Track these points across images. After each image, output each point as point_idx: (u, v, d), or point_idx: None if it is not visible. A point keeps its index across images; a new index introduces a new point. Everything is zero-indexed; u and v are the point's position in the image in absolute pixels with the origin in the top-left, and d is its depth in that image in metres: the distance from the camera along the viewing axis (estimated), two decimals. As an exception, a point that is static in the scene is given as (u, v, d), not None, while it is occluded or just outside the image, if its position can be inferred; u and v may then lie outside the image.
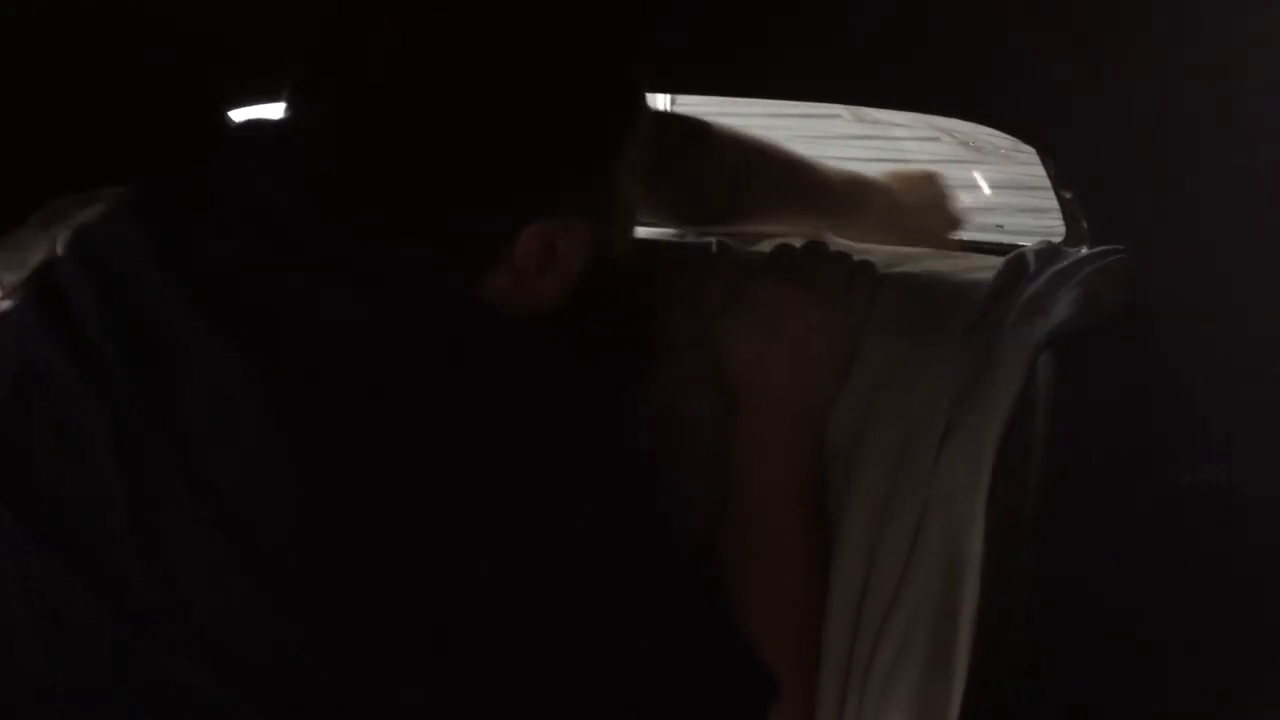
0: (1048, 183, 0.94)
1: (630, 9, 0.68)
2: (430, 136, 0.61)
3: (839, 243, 0.84)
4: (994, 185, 3.14)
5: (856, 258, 0.79)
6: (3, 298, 1.04)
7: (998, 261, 0.81)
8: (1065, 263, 0.76)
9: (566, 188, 0.65)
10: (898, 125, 3.64)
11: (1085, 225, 0.90)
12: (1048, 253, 0.79)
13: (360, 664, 0.57)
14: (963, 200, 1.03)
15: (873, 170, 1.03)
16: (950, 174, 1.05)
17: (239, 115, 1.17)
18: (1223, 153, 0.56)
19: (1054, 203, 0.96)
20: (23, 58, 1.00)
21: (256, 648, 0.56)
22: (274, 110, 0.68)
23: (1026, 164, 1.05)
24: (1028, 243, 0.85)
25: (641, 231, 1.00)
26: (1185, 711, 0.66)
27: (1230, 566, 0.65)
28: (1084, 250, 0.79)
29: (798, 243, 0.80)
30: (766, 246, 0.83)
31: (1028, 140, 0.86)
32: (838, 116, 3.83)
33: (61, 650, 0.58)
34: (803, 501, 0.71)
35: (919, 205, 1.02)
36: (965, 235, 1.07)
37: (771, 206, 0.91)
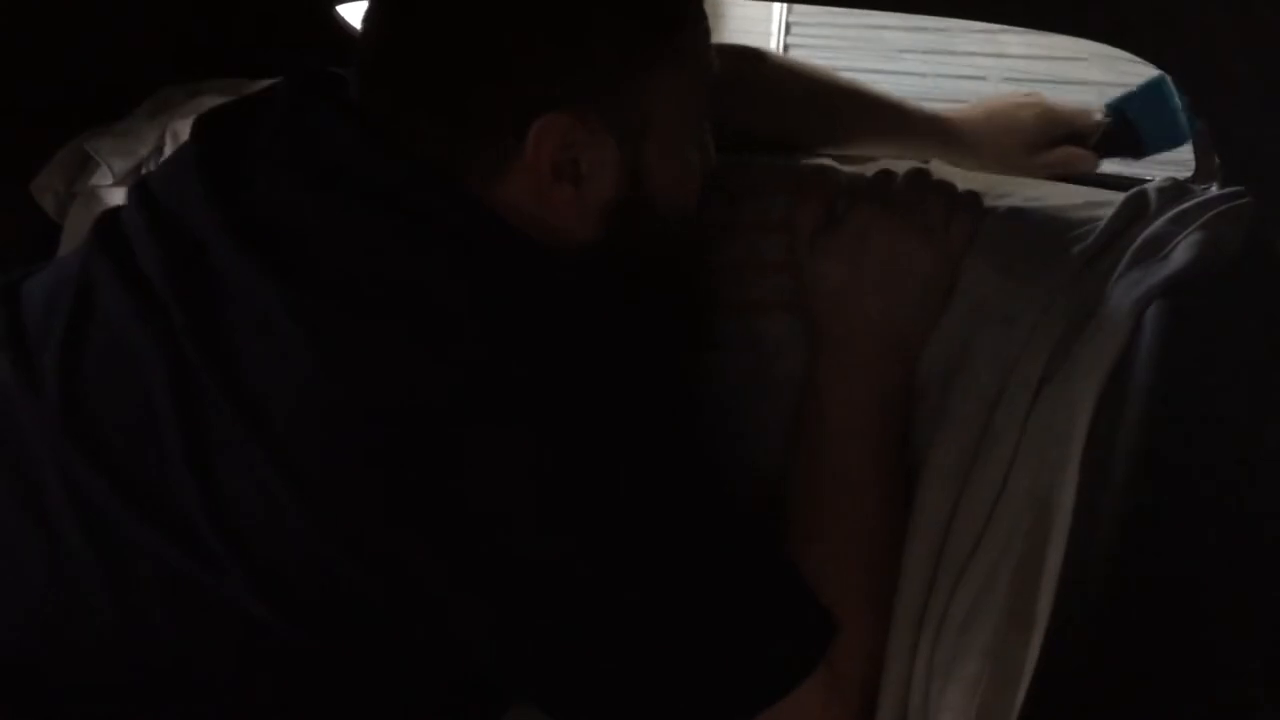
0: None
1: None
2: (447, 10, 0.63)
3: (945, 170, 0.80)
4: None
5: (962, 187, 0.75)
6: (113, 184, 1.06)
7: (1117, 197, 0.76)
8: (1189, 203, 0.71)
9: (586, 83, 0.63)
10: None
11: (1218, 161, 0.84)
12: (1171, 191, 0.74)
13: (417, 595, 0.58)
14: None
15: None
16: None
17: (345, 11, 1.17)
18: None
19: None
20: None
21: (315, 580, 0.58)
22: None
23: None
24: (1153, 175, 0.79)
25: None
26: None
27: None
28: (1213, 189, 0.74)
29: (901, 169, 0.76)
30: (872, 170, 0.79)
31: (1156, 62, 0.79)
32: (982, 79, 4.03)
33: (123, 584, 0.60)
34: (882, 435, 0.70)
35: (1004, 135, 0.94)
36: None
37: (835, 137, 0.87)
